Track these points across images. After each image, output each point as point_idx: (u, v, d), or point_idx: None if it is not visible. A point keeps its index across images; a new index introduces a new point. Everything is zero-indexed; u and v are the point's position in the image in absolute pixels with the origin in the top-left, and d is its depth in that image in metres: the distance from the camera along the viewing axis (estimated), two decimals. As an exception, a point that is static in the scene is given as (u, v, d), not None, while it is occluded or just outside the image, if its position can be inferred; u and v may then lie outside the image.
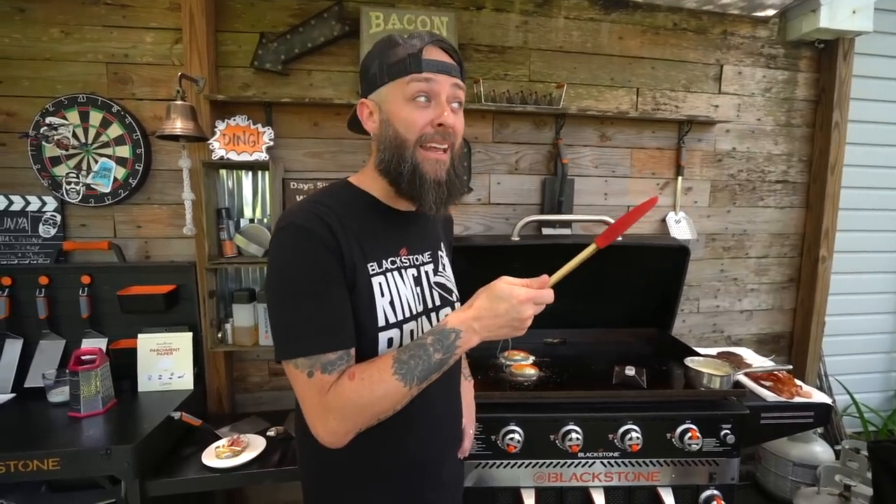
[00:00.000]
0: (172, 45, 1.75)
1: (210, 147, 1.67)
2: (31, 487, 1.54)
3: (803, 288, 2.30)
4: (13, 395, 1.61)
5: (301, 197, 1.83)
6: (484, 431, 1.37)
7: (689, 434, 1.37)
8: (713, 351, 1.95)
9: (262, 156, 1.70)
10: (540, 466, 1.40)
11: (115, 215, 1.79)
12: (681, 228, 2.10)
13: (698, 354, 1.60)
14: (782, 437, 1.92)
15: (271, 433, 1.61)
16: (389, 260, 0.80)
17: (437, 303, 0.86)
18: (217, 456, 1.45)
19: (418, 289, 0.83)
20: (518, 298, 0.68)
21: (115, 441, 1.33)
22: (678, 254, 1.76)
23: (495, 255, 1.77)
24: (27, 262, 1.73)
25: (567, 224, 2.00)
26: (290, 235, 0.71)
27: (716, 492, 1.42)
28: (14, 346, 1.68)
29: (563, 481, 1.40)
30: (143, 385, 1.66)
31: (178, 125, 1.51)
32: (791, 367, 1.62)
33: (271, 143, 1.73)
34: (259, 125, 1.73)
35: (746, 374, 1.63)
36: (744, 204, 2.23)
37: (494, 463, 1.39)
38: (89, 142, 1.72)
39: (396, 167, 0.76)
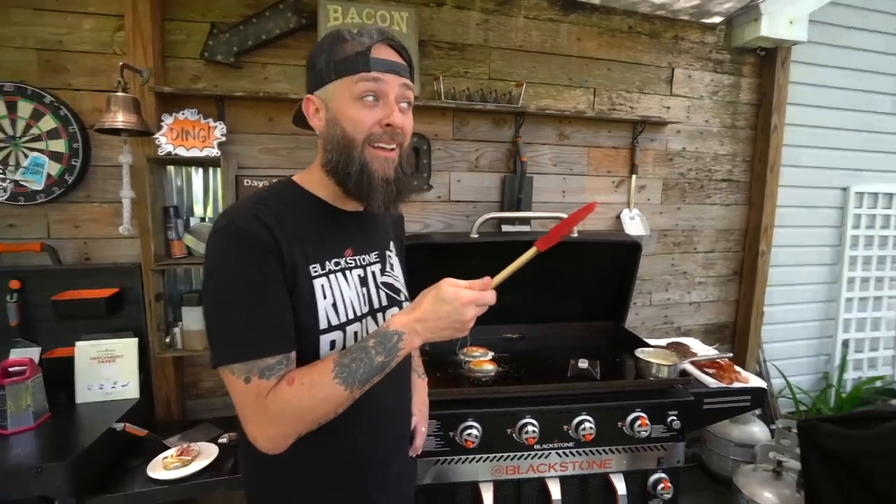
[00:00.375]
0: (114, 33, 1.64)
1: (156, 142, 1.59)
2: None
3: (745, 280, 2.45)
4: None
5: (256, 194, 1.77)
6: (442, 428, 1.38)
7: (639, 422, 1.43)
8: (664, 342, 2.05)
9: (214, 151, 1.64)
10: (498, 460, 1.43)
11: (48, 214, 1.67)
12: (635, 225, 2.18)
13: (649, 345, 1.67)
14: (724, 420, 2.05)
15: (224, 440, 1.56)
16: (333, 261, 0.79)
17: (384, 303, 0.86)
18: (165, 467, 1.39)
19: (364, 290, 0.83)
20: (461, 301, 0.70)
21: (48, 458, 1.23)
22: (631, 249, 1.83)
23: (454, 252, 1.78)
24: (-53, 265, 1.59)
25: (526, 221, 2.03)
26: (226, 237, 0.69)
27: (663, 475, 1.50)
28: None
29: (521, 473, 1.44)
30: (82, 396, 1.55)
31: (120, 118, 1.42)
32: (731, 354, 1.72)
33: (223, 139, 1.66)
34: (210, 120, 1.66)
35: (693, 363, 1.72)
36: (692, 201, 2.35)
37: (453, 459, 1.40)
38: (18, 135, 1.60)
39: (344, 167, 0.75)
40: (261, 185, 1.79)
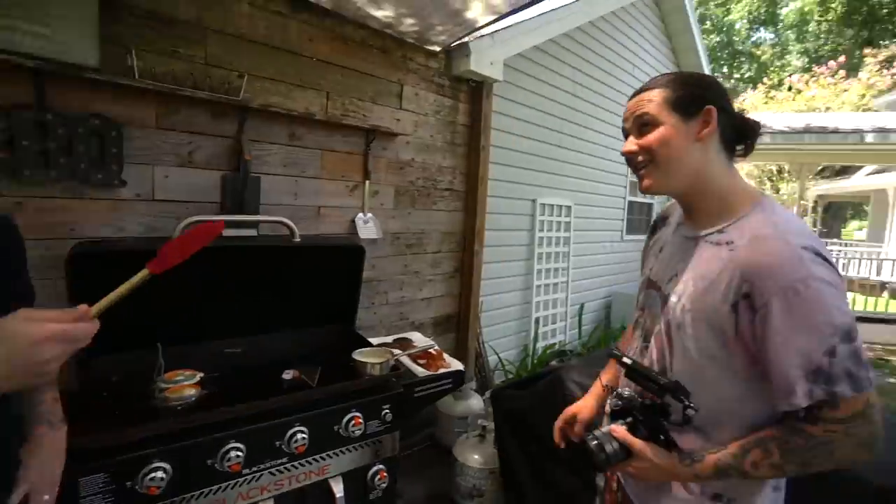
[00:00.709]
0: None
1: None
2: None
3: (464, 276, 2.89)
4: None
5: None
6: (113, 481, 1.13)
7: (353, 421, 1.48)
8: (391, 338, 2.21)
9: None
10: (197, 499, 1.26)
11: None
12: (368, 228, 2.28)
13: (371, 345, 1.76)
14: (433, 404, 2.34)
15: None
16: None
17: None
18: None
19: None
20: (31, 339, 0.55)
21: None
22: (355, 253, 1.90)
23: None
24: None
25: (253, 225, 1.88)
26: None
27: (380, 466, 1.60)
28: None
29: (226, 506, 1.30)
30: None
31: None
32: (434, 344, 1.98)
33: None
34: None
35: (409, 356, 1.90)
36: (421, 207, 2.62)
37: (129, 514, 1.16)
38: None
39: None
40: None
